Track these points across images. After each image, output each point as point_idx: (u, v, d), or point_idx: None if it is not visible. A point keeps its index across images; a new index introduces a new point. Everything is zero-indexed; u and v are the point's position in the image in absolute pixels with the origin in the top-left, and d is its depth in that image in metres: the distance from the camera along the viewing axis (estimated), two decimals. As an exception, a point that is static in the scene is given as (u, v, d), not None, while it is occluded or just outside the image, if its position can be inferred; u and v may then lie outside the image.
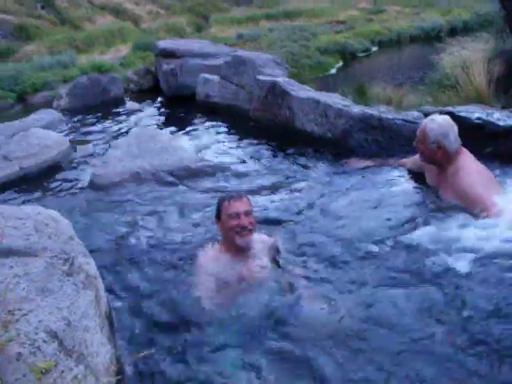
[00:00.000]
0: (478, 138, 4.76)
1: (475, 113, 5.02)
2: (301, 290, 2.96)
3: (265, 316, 2.76)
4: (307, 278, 3.11)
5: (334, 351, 2.49)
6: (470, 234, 3.34)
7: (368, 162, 4.85)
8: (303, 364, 2.44)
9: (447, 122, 4.01)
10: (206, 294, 2.93)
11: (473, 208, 3.59)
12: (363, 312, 2.77)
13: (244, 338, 2.61)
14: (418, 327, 2.62)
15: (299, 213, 3.98)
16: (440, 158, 3.98)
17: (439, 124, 3.98)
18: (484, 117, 4.91)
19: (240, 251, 3.11)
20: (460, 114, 5.01)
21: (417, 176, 4.39)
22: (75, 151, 6.19)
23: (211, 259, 3.10)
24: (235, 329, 2.68)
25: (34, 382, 1.78)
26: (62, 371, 1.93)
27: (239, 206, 3.08)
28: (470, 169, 3.85)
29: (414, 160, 4.50)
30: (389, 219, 3.69)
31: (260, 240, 3.25)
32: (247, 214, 3.09)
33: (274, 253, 3.26)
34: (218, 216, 3.17)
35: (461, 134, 4.85)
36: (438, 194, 3.95)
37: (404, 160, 4.69)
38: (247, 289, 2.97)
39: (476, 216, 3.49)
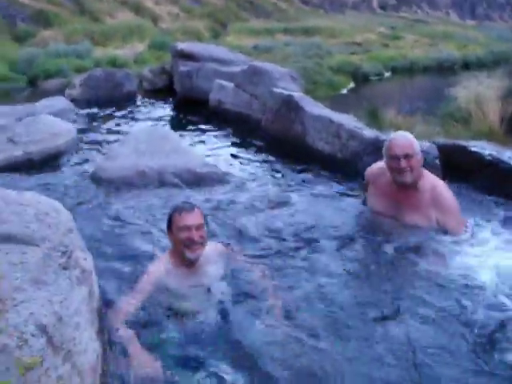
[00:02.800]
0: (488, 175, 4.76)
1: (487, 149, 4.99)
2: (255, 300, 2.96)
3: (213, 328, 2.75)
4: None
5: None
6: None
7: None
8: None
9: None
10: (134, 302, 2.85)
11: (451, 223, 3.69)
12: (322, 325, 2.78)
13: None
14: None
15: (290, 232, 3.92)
16: (420, 171, 3.81)
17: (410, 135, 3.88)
18: (495, 154, 4.87)
19: (189, 263, 3.04)
20: (472, 148, 5.00)
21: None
22: (82, 142, 6.16)
23: (160, 271, 3.00)
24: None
25: (18, 378, 1.71)
26: (48, 368, 1.87)
27: (190, 219, 2.98)
28: (443, 183, 3.85)
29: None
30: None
31: (212, 249, 3.18)
32: (198, 227, 2.99)
33: (227, 261, 3.23)
34: (169, 227, 3.07)
35: (471, 169, 4.88)
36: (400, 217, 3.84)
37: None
38: (195, 302, 2.92)
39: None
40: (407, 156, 3.70)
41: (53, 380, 1.88)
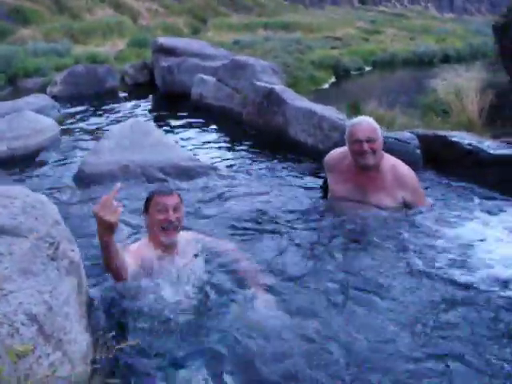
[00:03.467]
0: (467, 164, 4.85)
1: (466, 139, 5.08)
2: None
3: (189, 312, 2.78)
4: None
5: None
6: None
7: None
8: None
9: None
10: None
11: (417, 200, 3.93)
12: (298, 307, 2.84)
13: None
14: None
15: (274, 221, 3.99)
16: (381, 154, 3.96)
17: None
18: (475, 143, 4.96)
19: (165, 248, 3.04)
20: (452, 138, 5.09)
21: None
22: (65, 138, 6.14)
23: (137, 254, 2.98)
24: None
25: (10, 365, 1.73)
26: (40, 356, 1.90)
27: (168, 200, 3.01)
28: (401, 162, 4.03)
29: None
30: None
31: (186, 237, 3.20)
32: (176, 209, 3.02)
33: (205, 247, 3.25)
34: (146, 209, 3.08)
35: (451, 158, 4.97)
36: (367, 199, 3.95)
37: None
38: (171, 286, 2.93)
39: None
40: (369, 140, 3.84)
41: (44, 367, 1.91)
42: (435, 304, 2.84)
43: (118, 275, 2.80)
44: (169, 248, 3.05)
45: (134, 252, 2.99)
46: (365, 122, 3.93)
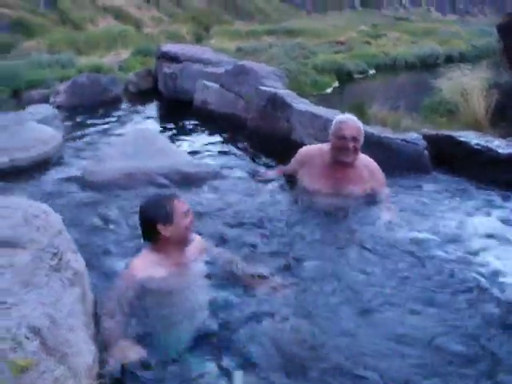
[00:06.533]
0: (476, 164, 4.80)
1: (474, 139, 5.04)
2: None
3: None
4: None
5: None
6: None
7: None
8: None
9: None
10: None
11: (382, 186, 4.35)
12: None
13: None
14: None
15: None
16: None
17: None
18: (483, 143, 4.93)
19: (178, 258, 3.02)
20: (460, 138, 5.03)
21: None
22: (69, 147, 6.12)
23: (145, 265, 2.89)
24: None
25: (12, 381, 1.68)
26: (43, 371, 1.84)
27: (185, 203, 3.09)
28: (372, 160, 4.41)
29: (293, 168, 4.66)
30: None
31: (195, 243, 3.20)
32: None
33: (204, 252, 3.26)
34: (170, 219, 2.93)
35: (460, 158, 4.92)
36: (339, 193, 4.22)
37: (283, 168, 4.93)
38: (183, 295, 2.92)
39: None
40: (354, 139, 4.11)
41: (48, 382, 1.85)
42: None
43: None
44: (182, 255, 3.06)
45: (142, 268, 2.88)
46: (352, 121, 4.21)
